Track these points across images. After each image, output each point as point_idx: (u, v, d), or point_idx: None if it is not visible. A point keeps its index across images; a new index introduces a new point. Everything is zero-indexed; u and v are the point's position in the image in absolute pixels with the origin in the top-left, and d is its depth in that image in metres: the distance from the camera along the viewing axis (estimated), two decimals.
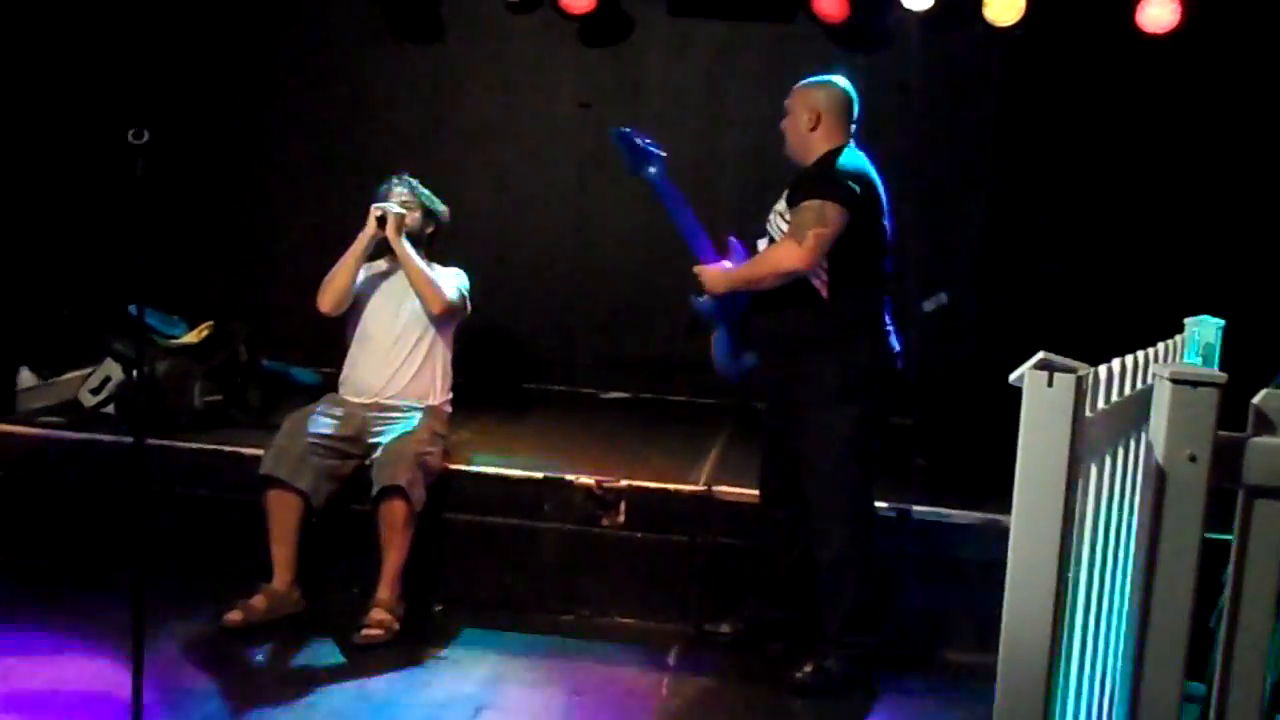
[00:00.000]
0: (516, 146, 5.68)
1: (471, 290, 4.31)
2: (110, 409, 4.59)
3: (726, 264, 3.66)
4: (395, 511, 3.86)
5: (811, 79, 3.65)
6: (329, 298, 4.16)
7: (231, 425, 4.54)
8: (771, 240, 3.58)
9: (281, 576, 3.93)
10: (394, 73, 5.67)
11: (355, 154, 5.61)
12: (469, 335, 4.51)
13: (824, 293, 3.49)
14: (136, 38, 5.50)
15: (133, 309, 3.80)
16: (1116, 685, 2.29)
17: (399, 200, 4.22)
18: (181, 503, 4.22)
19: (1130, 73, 5.07)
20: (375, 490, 3.86)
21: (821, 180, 3.46)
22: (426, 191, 4.30)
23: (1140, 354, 2.24)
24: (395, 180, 4.27)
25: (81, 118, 5.24)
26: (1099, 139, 5.18)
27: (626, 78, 5.60)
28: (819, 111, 3.57)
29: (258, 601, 3.87)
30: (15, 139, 5.12)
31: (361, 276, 4.22)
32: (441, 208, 4.32)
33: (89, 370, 4.70)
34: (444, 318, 4.20)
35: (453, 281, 4.24)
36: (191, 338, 4.70)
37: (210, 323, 4.77)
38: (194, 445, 4.31)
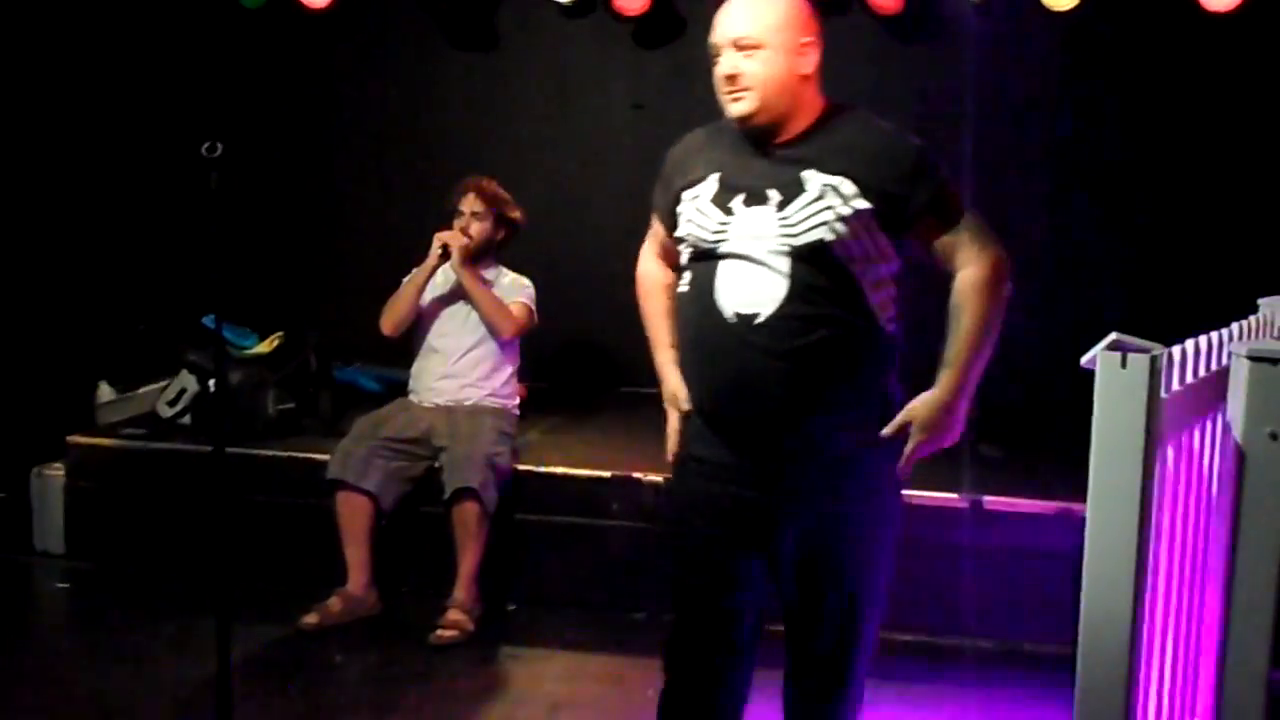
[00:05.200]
0: (572, 149, 5.71)
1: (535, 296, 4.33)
2: (187, 420, 4.70)
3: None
4: (468, 513, 3.90)
5: None
6: (390, 321, 4.22)
7: (304, 432, 4.62)
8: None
9: (356, 579, 4.00)
10: (451, 80, 5.73)
11: (415, 161, 5.67)
12: (532, 338, 4.55)
13: (886, 321, 2.41)
14: (205, 54, 5.62)
15: (209, 320, 3.89)
16: (1202, 670, 2.26)
17: (470, 210, 4.25)
18: (258, 509, 4.31)
19: (1193, 52, 4.98)
20: (448, 492, 3.92)
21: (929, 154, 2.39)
22: (503, 196, 4.31)
23: (1215, 334, 2.21)
24: (470, 186, 4.27)
25: (154, 133, 5.36)
26: (1162, 121, 5.10)
27: (681, 77, 5.60)
28: (818, 45, 2.39)
29: (333, 604, 3.94)
30: (90, 156, 5.25)
31: (427, 292, 4.26)
32: (514, 214, 4.31)
33: (165, 383, 4.80)
34: (513, 339, 4.24)
35: (519, 297, 4.26)
36: (264, 348, 4.81)
37: (281, 333, 4.87)
38: (269, 453, 4.41)
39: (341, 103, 5.82)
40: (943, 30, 5.19)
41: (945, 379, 2.39)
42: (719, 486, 2.44)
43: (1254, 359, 1.95)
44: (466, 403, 4.20)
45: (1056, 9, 4.87)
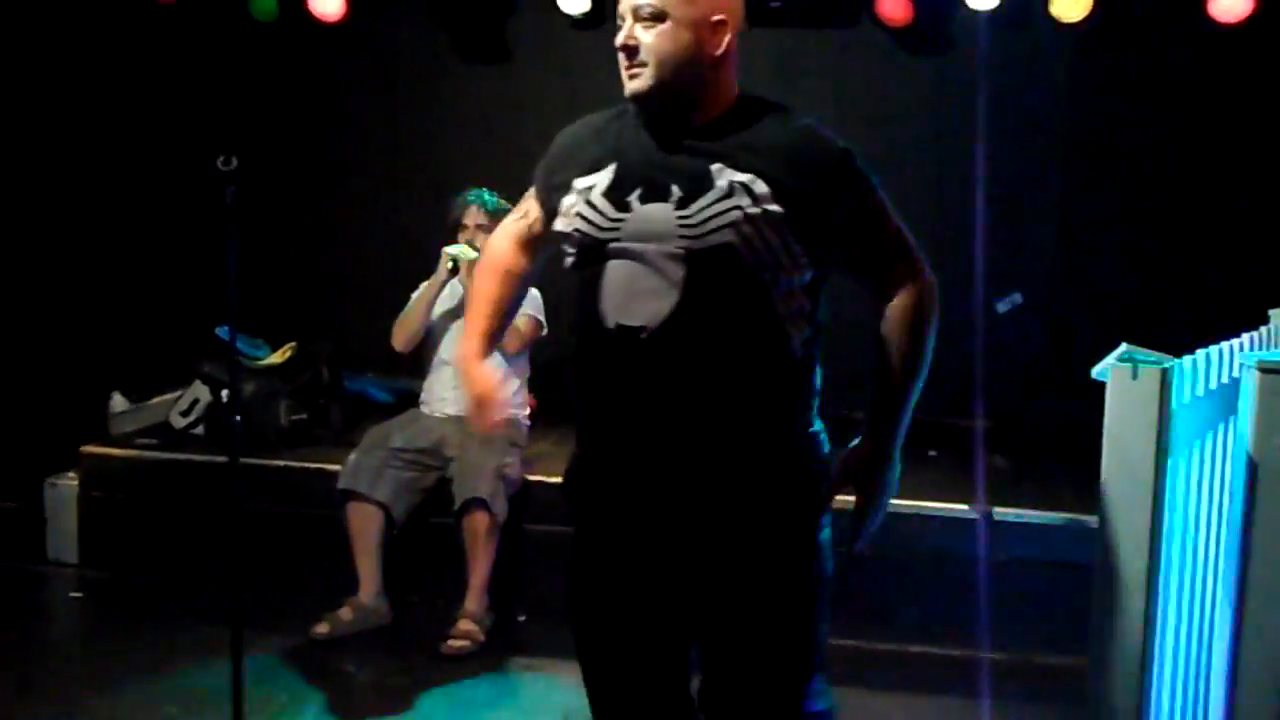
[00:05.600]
0: None
1: (544, 307, 4.33)
2: (199, 430, 4.72)
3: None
4: (478, 523, 3.91)
5: None
6: (402, 338, 4.24)
7: (316, 443, 4.64)
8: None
9: (367, 589, 4.00)
10: (463, 92, 5.75)
11: (427, 174, 5.69)
12: (543, 348, 4.56)
13: (800, 343, 2.08)
14: (218, 67, 5.65)
15: (222, 331, 3.92)
16: (1213, 682, 2.26)
17: (474, 223, 4.27)
18: (270, 519, 4.32)
19: (1202, 64, 4.99)
20: (457, 503, 3.92)
21: (849, 158, 2.10)
22: (505, 206, 4.33)
23: (1226, 345, 2.21)
24: (472, 197, 4.28)
25: (168, 146, 5.40)
26: (1171, 132, 5.10)
27: None
28: (734, 27, 2.11)
29: (344, 613, 3.95)
30: (104, 168, 5.28)
31: (435, 306, 4.27)
32: None
33: (178, 393, 4.83)
34: (519, 352, 4.25)
35: (527, 309, 4.26)
36: (276, 359, 4.83)
37: (293, 344, 4.89)
38: (281, 463, 4.43)
39: (354, 115, 5.84)
40: (952, 42, 5.21)
41: (877, 425, 2.11)
42: (609, 550, 2.19)
43: (1264, 370, 1.95)
44: None
45: (1066, 20, 4.88)
